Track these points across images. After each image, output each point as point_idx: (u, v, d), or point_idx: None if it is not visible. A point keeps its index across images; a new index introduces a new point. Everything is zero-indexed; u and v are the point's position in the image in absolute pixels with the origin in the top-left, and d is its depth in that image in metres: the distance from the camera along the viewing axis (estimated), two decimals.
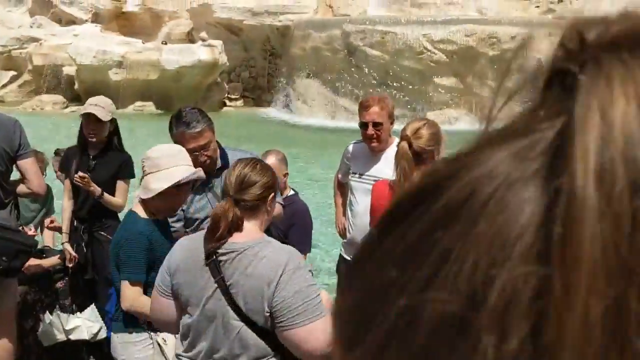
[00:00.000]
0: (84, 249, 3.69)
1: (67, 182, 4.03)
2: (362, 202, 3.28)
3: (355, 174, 3.43)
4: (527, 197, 0.23)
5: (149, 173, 2.58)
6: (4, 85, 15.26)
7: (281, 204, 3.22)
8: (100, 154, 3.75)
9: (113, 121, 3.80)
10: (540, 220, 0.22)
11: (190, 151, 2.88)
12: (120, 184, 3.72)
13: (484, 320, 0.22)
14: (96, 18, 15.96)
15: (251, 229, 2.01)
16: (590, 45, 0.24)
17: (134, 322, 2.57)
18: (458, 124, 12.33)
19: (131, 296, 2.51)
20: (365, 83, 12.68)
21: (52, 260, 3.58)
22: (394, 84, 12.58)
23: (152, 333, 2.58)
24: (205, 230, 2.03)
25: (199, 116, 2.98)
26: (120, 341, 2.64)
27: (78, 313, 3.40)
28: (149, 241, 2.52)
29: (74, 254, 3.63)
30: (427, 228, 0.24)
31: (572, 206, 0.21)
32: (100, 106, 3.78)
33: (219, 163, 3.06)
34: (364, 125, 3.29)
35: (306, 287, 1.91)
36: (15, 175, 3.38)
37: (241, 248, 1.94)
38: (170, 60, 13.80)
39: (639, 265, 0.21)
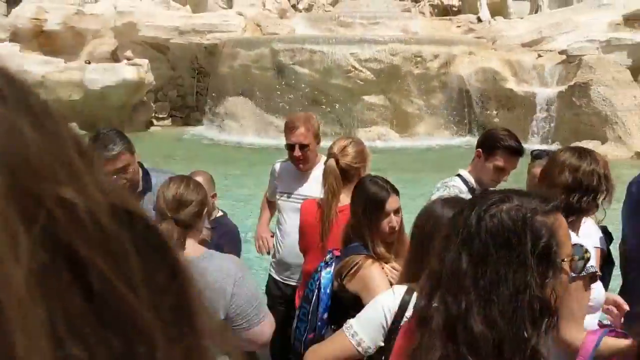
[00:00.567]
0: None
1: None
2: (290, 222, 3.25)
3: (283, 193, 3.40)
4: None
5: None
6: None
7: (207, 228, 3.18)
8: None
9: None
10: None
11: (109, 174, 2.84)
12: None
13: None
14: (15, 37, 15.35)
15: (192, 244, 2.12)
16: None
17: None
18: (386, 140, 12.60)
19: None
20: (295, 101, 12.76)
21: None
22: (324, 102, 12.73)
23: None
24: None
25: (116, 138, 2.91)
26: None
27: None
28: None
29: None
30: None
31: None
32: None
33: (140, 186, 3.01)
34: (290, 147, 3.26)
35: (255, 290, 2.10)
36: None
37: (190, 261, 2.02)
38: (94, 79, 13.44)
39: None
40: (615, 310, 2.33)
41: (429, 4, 16.51)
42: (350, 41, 12.73)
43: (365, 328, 1.77)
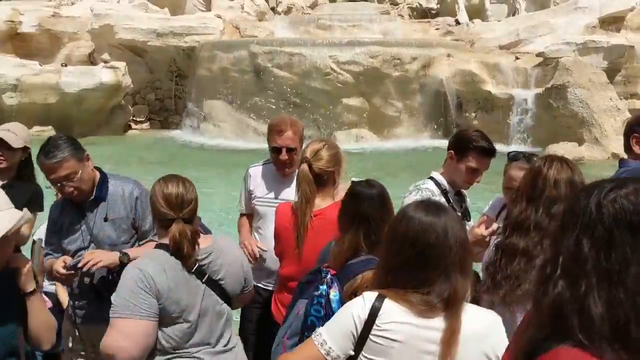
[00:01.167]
0: None
1: None
2: (272, 227, 3.08)
3: (262, 199, 3.25)
4: None
5: None
6: None
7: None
8: (9, 184, 3.51)
9: (26, 150, 3.67)
10: None
11: (53, 182, 2.83)
12: None
13: None
14: None
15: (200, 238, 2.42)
16: None
17: None
18: (365, 142, 12.59)
19: None
20: (274, 104, 12.71)
21: None
22: (303, 105, 12.69)
23: None
24: (156, 253, 2.32)
25: (62, 144, 2.77)
26: None
27: None
28: None
29: None
30: None
31: None
32: (12, 132, 3.63)
33: (93, 194, 2.88)
34: (276, 150, 3.14)
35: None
36: None
37: (210, 249, 2.38)
38: (70, 82, 13.25)
39: None
40: None
41: (408, 7, 16.56)
42: (330, 44, 12.71)
43: (334, 336, 1.72)
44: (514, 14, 15.35)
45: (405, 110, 13.04)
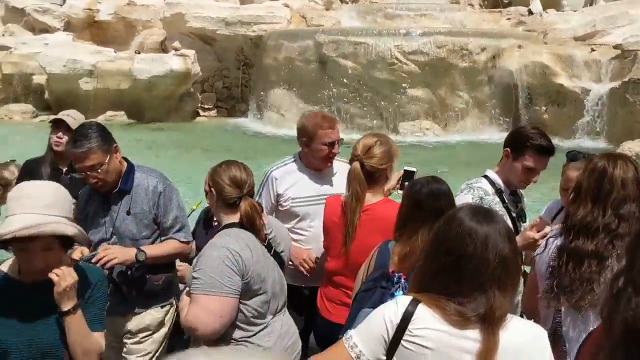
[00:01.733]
0: None
1: None
2: (320, 225, 3.04)
3: (301, 199, 3.18)
4: None
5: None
6: None
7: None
8: (73, 169, 3.38)
9: None
10: None
11: (79, 170, 2.80)
12: None
13: None
14: (69, 27, 15.79)
15: None
16: None
17: None
18: (429, 135, 12.39)
19: None
20: (338, 94, 12.69)
21: None
22: (367, 95, 12.61)
23: None
24: (233, 231, 2.43)
25: (91, 134, 2.74)
26: None
27: None
28: None
29: None
30: None
31: None
32: (71, 116, 3.77)
33: (117, 186, 2.86)
34: (331, 144, 3.12)
35: None
36: None
37: (269, 224, 2.58)
38: (141, 69, 13.68)
39: None
40: None
41: None
42: (395, 33, 12.54)
43: (365, 340, 1.67)
44: (591, 4, 14.66)
45: (472, 102, 12.72)
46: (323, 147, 3.11)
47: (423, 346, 1.61)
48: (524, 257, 2.52)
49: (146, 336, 2.98)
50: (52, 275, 2.00)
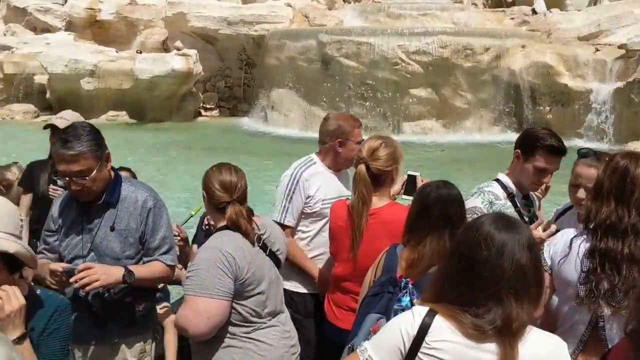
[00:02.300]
0: None
1: (27, 197, 3.87)
2: None
3: (330, 200, 3.08)
4: None
5: None
6: None
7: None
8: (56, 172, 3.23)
9: None
10: None
11: (62, 173, 2.47)
12: None
13: None
14: (70, 26, 15.75)
15: None
16: None
17: None
18: (432, 135, 12.34)
19: None
20: (341, 93, 12.63)
21: None
22: (369, 95, 12.55)
23: None
24: (227, 234, 2.41)
25: (84, 136, 2.43)
26: None
27: None
28: None
29: None
30: None
31: None
32: (64, 118, 3.66)
33: (102, 198, 2.53)
34: (359, 143, 3.05)
35: None
36: None
37: (264, 225, 2.57)
38: (143, 69, 13.64)
39: None
40: None
41: None
42: (398, 33, 12.48)
43: (380, 352, 1.61)
44: (595, 4, 14.59)
45: (475, 102, 12.66)
46: (356, 146, 3.06)
47: (440, 359, 1.57)
48: None
49: None
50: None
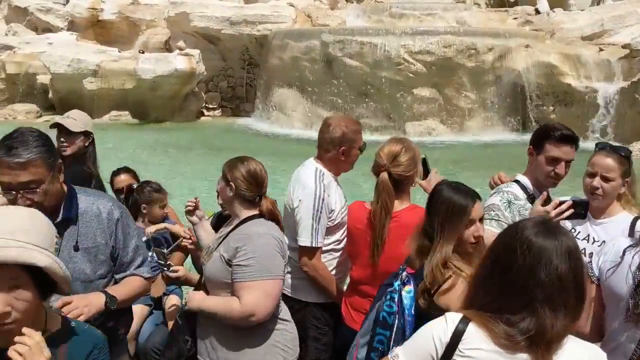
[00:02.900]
0: None
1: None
2: None
3: (343, 208, 3.00)
4: None
5: None
6: None
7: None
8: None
9: (87, 136, 3.52)
10: None
11: (6, 187, 2.05)
12: None
13: None
14: (72, 26, 15.72)
15: None
16: None
17: None
18: (436, 135, 12.31)
19: None
20: (344, 93, 12.61)
21: None
22: (373, 95, 12.53)
23: None
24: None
25: (32, 142, 2.07)
26: None
27: None
28: None
29: None
30: None
31: None
32: (71, 118, 3.57)
33: (60, 215, 2.19)
34: (361, 150, 3.04)
35: None
36: None
37: None
38: (146, 69, 13.61)
39: None
40: None
41: None
42: (402, 33, 12.46)
43: (412, 359, 1.59)
44: (598, 3, 14.57)
45: (479, 102, 12.64)
46: (358, 152, 3.03)
47: None
48: None
49: None
50: (11, 354, 1.39)
